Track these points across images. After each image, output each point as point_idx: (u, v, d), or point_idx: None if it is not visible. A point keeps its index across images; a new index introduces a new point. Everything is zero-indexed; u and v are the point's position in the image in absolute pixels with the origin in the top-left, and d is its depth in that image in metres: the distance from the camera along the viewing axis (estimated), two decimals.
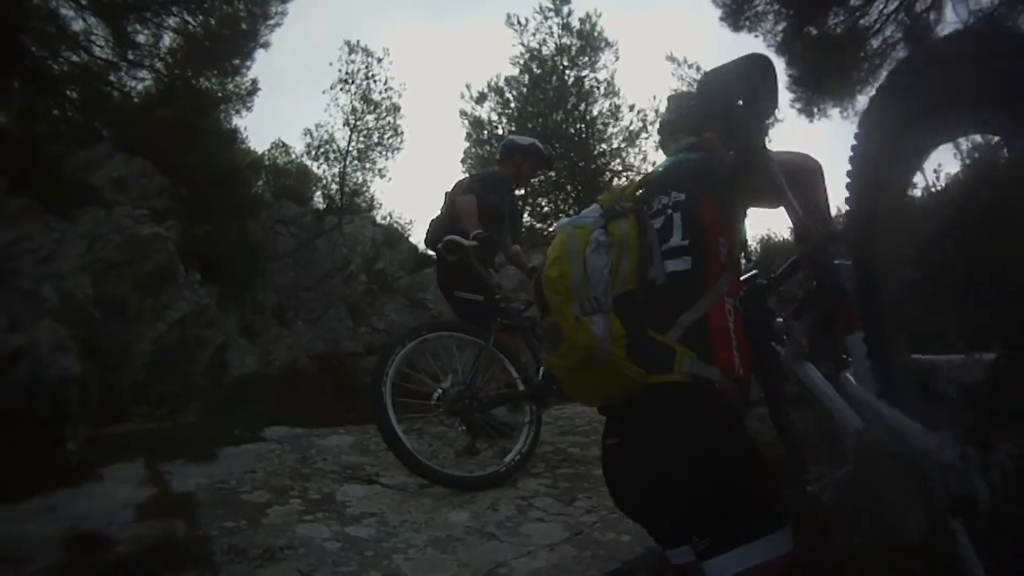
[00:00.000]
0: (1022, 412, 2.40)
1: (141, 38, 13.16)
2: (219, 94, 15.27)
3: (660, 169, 3.19)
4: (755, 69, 3.02)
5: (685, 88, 23.35)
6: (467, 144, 22.54)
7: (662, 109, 20.64)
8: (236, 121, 17.96)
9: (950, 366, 2.81)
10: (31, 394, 6.83)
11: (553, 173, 21.57)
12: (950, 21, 14.52)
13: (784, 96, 17.58)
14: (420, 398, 6.62)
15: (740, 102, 2.99)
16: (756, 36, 15.84)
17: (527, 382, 7.08)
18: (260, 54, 14.48)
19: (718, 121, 3.30)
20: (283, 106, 52.63)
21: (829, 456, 3.57)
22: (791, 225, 3.07)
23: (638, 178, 3.35)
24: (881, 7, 14.90)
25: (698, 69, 23.03)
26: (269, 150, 22.64)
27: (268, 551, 5.06)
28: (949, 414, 2.57)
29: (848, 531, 3.09)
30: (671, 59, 23.08)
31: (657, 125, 3.48)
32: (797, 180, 3.00)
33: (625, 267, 2.68)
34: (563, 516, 5.71)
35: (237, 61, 14.64)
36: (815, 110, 16.65)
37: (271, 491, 6.21)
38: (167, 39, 13.67)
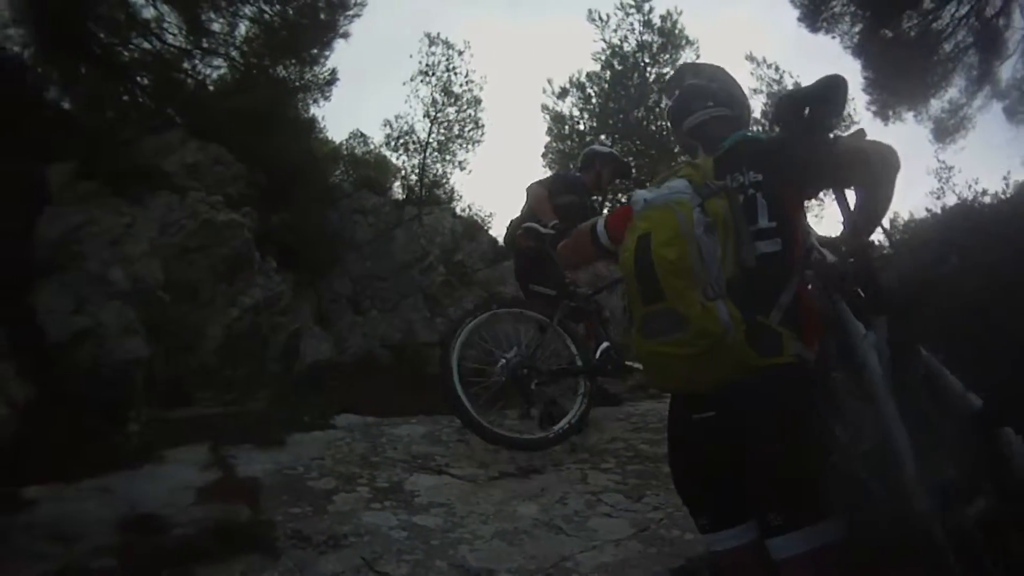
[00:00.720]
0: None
1: (216, 26, 13.31)
2: (297, 83, 15.33)
3: (726, 145, 3.07)
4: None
5: (764, 88, 23.17)
6: (548, 139, 22.45)
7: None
8: (314, 110, 18.00)
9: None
10: (94, 376, 6.84)
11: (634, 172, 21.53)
12: (1019, 27, 14.50)
13: (860, 98, 17.64)
14: (486, 365, 6.86)
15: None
16: (833, 37, 16.02)
17: (585, 360, 7.14)
18: (339, 44, 14.54)
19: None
20: (362, 97, 53.22)
21: None
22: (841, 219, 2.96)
23: (704, 156, 3.14)
24: (953, 11, 14.96)
25: (777, 69, 22.78)
26: (347, 140, 22.75)
27: (332, 538, 5.03)
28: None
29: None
30: (750, 58, 22.87)
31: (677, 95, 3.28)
32: (858, 171, 2.79)
33: (730, 249, 2.63)
34: (631, 512, 5.63)
35: (315, 51, 14.72)
36: (890, 113, 16.70)
37: (338, 478, 6.17)
38: (242, 28, 13.80)
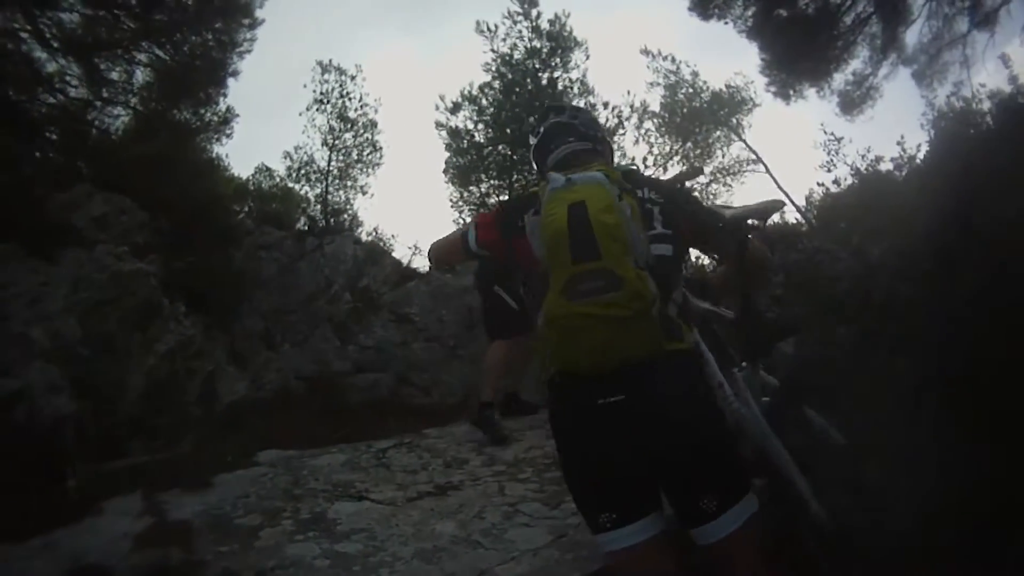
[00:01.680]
0: None
1: (114, 75, 13.30)
2: (196, 124, 15.40)
3: (618, 169, 3.18)
4: None
5: (662, 80, 23.60)
6: (448, 154, 22.55)
7: (637, 103, 20.43)
8: (217, 149, 18.12)
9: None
10: (29, 435, 6.99)
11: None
12: None
13: (759, 80, 18.33)
14: None
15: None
16: (726, 23, 16.04)
17: None
18: (240, 79, 14.57)
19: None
20: (266, 130, 52.63)
21: None
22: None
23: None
24: None
25: (673, 60, 23.25)
26: (253, 175, 22.69)
27: (259, 573, 5.22)
28: None
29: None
30: (645, 52, 23.35)
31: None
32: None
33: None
34: (549, 520, 5.83)
35: (210, 90, 14.75)
36: (791, 92, 16.85)
37: (263, 514, 6.36)
38: (139, 74, 13.82)
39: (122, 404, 9.19)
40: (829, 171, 21.40)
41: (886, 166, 18.03)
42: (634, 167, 3.41)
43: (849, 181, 19.27)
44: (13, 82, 11.84)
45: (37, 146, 13.06)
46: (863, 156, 20.41)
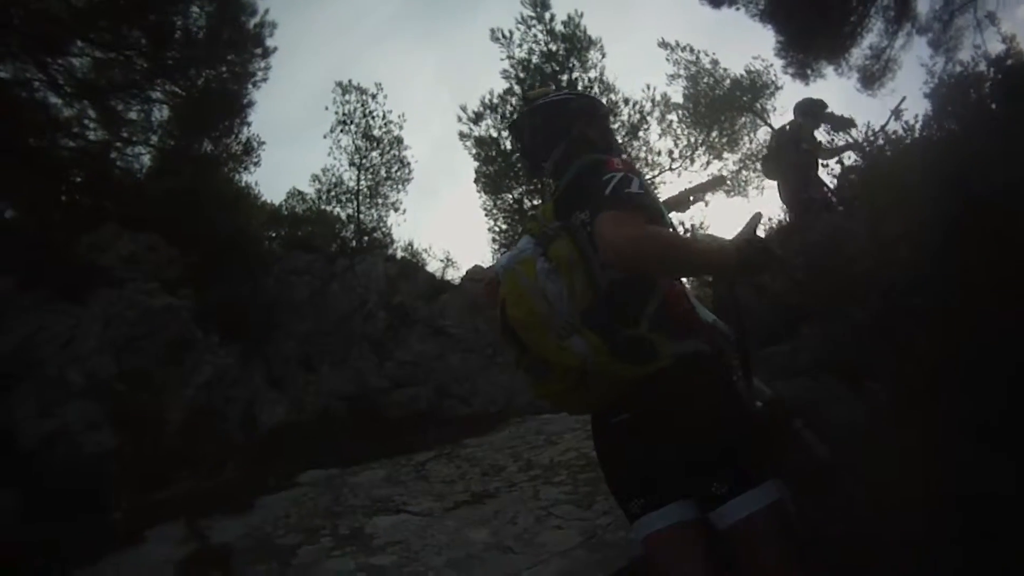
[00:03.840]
0: None
1: (132, 115, 13.39)
2: (219, 157, 15.55)
3: (562, 184, 3.12)
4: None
5: (683, 72, 23.44)
6: (476, 164, 22.46)
7: (656, 97, 20.12)
8: (245, 178, 18.40)
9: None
10: (71, 471, 7.12)
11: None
12: None
13: (777, 63, 17.63)
14: None
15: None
16: (738, 9, 15.72)
17: None
18: (266, 106, 14.73)
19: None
20: (296, 154, 53.03)
21: None
22: None
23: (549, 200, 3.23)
24: None
25: (692, 51, 23.08)
26: (286, 200, 22.67)
27: None
28: None
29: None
30: (663, 45, 23.09)
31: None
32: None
33: (579, 283, 2.75)
34: (580, 521, 5.88)
35: (229, 122, 14.88)
36: (809, 72, 16.46)
37: (303, 532, 6.50)
38: (157, 112, 13.86)
39: (163, 436, 9.32)
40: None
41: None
42: (583, 166, 3.12)
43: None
44: (31, 129, 12.00)
45: (61, 190, 13.30)
46: (869, 131, 20.01)
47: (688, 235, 3.20)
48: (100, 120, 13.10)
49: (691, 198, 3.38)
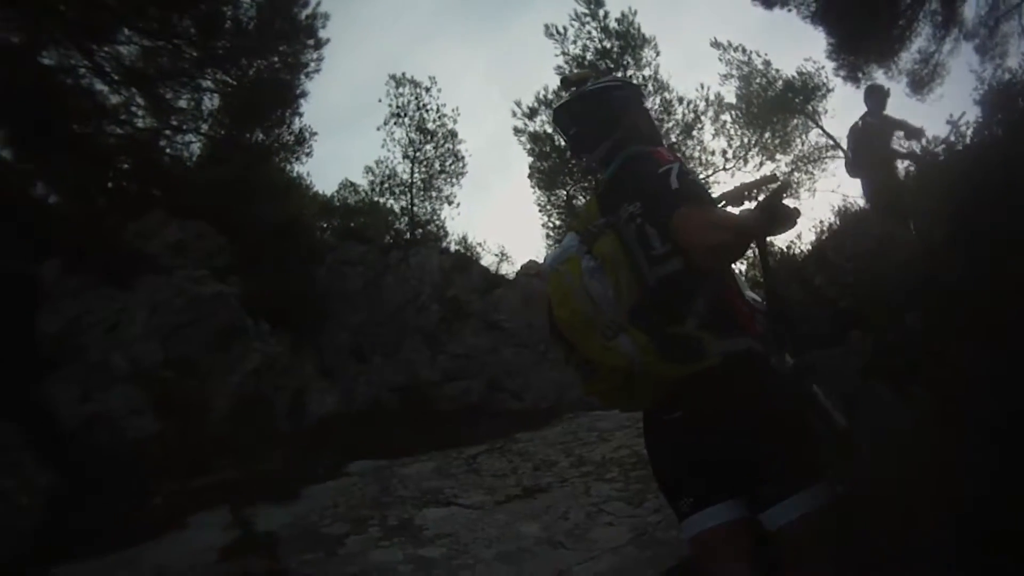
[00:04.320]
0: None
1: (182, 103, 13.50)
2: (270, 146, 15.57)
3: (607, 176, 3.07)
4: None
5: (735, 72, 23.22)
6: (531, 159, 22.40)
7: (710, 96, 20.18)
8: (297, 169, 18.54)
9: None
10: (111, 456, 7.05)
11: None
12: None
13: (828, 65, 17.62)
14: None
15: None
16: (790, 10, 15.46)
17: None
18: (321, 97, 14.79)
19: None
20: (349, 145, 53.38)
21: None
22: None
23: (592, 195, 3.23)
24: None
25: (744, 51, 22.85)
26: (338, 191, 22.84)
27: None
28: None
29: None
30: (716, 44, 22.91)
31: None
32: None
33: (625, 280, 2.70)
34: (631, 518, 5.81)
35: (279, 112, 14.90)
36: (859, 75, 16.07)
37: (350, 522, 6.41)
38: (207, 101, 13.98)
39: (208, 423, 9.25)
40: None
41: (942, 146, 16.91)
42: (628, 158, 2.98)
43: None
44: (76, 116, 12.01)
45: (107, 177, 13.34)
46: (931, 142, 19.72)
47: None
48: (148, 108, 13.17)
49: (745, 194, 3.19)
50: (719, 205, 3.06)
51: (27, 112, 10.88)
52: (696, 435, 2.67)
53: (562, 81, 3.40)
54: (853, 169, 10.59)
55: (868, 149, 9.90)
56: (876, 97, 10.19)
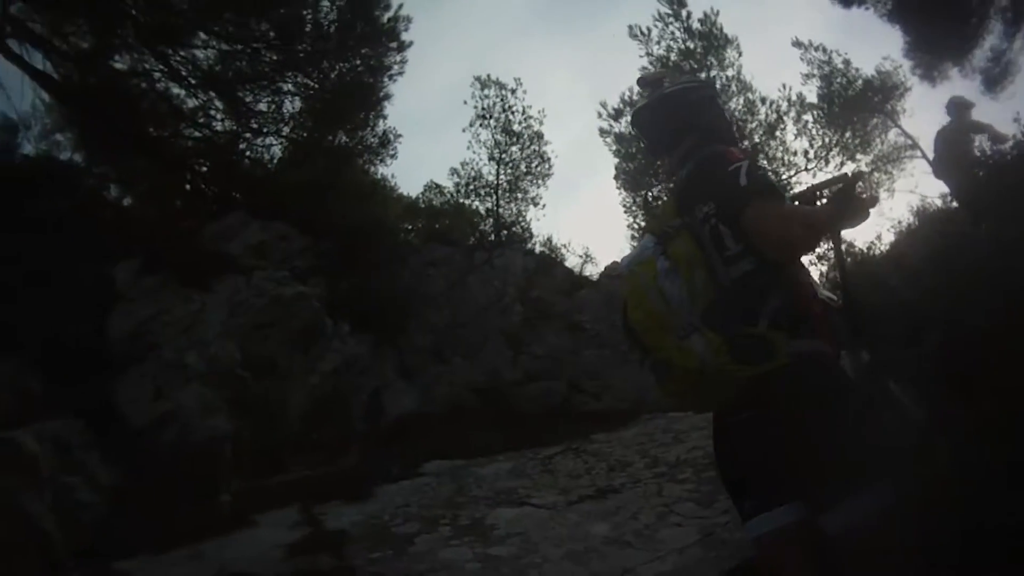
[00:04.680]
0: None
1: (262, 106, 13.68)
2: (354, 148, 15.71)
3: (683, 176, 3.06)
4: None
5: (816, 72, 22.89)
6: (616, 160, 22.27)
7: (792, 96, 19.90)
8: (381, 171, 18.57)
9: None
10: (181, 454, 7.13)
11: None
12: None
13: (905, 64, 17.27)
14: None
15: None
16: (867, 8, 15.06)
17: None
18: (404, 100, 15.05)
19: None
20: (435, 147, 53.84)
21: None
22: None
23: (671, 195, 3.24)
24: None
25: (824, 50, 22.47)
26: (423, 193, 22.67)
27: None
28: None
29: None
30: (797, 44, 22.52)
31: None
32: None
33: (699, 281, 2.70)
34: (700, 519, 5.75)
35: (362, 115, 15.04)
36: (935, 74, 15.78)
37: (422, 521, 6.40)
38: (288, 104, 14.17)
39: (283, 422, 9.36)
40: None
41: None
42: (704, 157, 2.96)
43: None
44: (151, 119, 12.21)
45: (185, 179, 13.56)
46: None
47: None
48: (227, 111, 13.38)
49: (817, 194, 3.11)
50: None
51: (98, 116, 11.09)
52: (761, 436, 2.63)
53: (639, 82, 3.38)
54: (939, 173, 10.76)
55: (951, 153, 10.01)
56: (956, 109, 10.26)
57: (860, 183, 2.69)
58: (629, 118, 4.10)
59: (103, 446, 6.53)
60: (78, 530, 5.77)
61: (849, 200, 2.64)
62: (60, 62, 11.47)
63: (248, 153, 14.33)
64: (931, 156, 11.41)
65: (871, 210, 2.68)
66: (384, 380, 11.87)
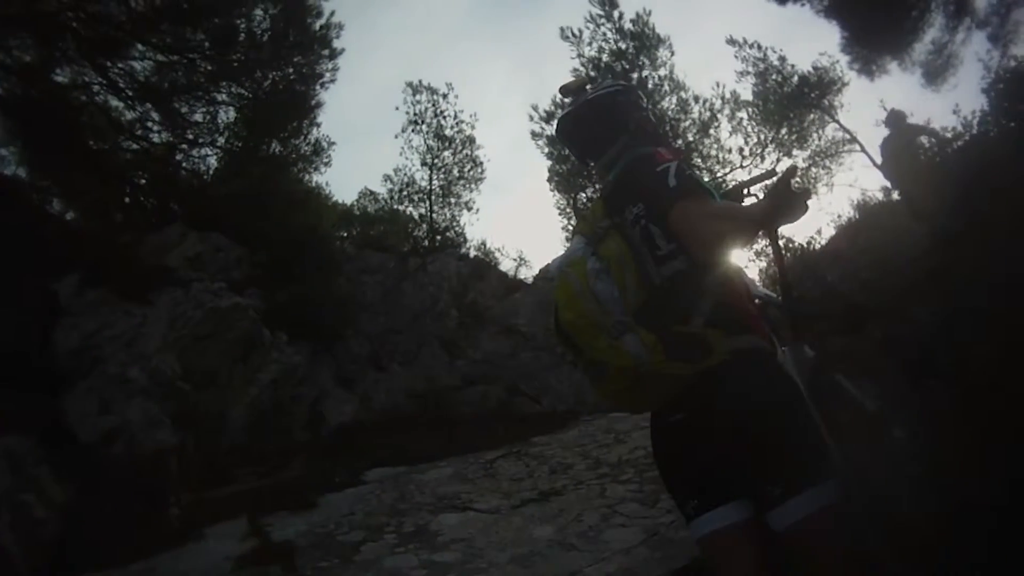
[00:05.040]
0: None
1: (197, 117, 13.68)
2: (288, 157, 15.81)
3: (611, 179, 3.09)
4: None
5: (751, 69, 23.14)
6: (550, 162, 22.41)
7: (726, 94, 20.14)
8: (316, 179, 18.59)
9: None
10: (129, 468, 7.13)
11: None
12: None
13: (842, 59, 17.55)
14: None
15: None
16: (802, 6, 15.25)
17: None
18: (340, 106, 14.89)
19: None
20: (369, 154, 53.53)
21: None
22: None
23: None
24: None
25: (759, 48, 22.75)
26: (358, 200, 23.02)
27: None
28: None
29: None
30: (731, 42, 22.77)
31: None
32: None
33: (631, 281, 2.75)
34: (644, 519, 5.84)
35: (295, 124, 15.05)
36: (873, 68, 16.17)
37: (367, 529, 6.49)
38: (223, 114, 14.17)
39: (226, 434, 9.39)
40: None
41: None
42: (629, 160, 3.01)
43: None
44: (91, 132, 12.14)
45: (124, 192, 13.50)
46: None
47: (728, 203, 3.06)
48: (164, 122, 13.35)
49: (744, 191, 3.26)
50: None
51: (42, 129, 11.03)
52: (701, 436, 2.68)
53: (561, 91, 3.39)
54: (888, 178, 11.85)
55: (898, 160, 10.69)
56: (895, 120, 11.16)
57: (794, 178, 2.78)
58: (556, 126, 4.12)
59: (54, 462, 6.53)
60: (37, 548, 5.79)
61: (785, 195, 2.66)
62: (3, 76, 11.37)
63: (184, 164, 14.34)
64: (870, 151, 11.89)
65: (807, 203, 2.70)
66: (323, 389, 11.88)
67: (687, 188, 2.70)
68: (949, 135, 9.71)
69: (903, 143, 10.62)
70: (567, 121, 3.35)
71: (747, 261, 18.42)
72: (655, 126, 3.40)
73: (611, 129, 3.16)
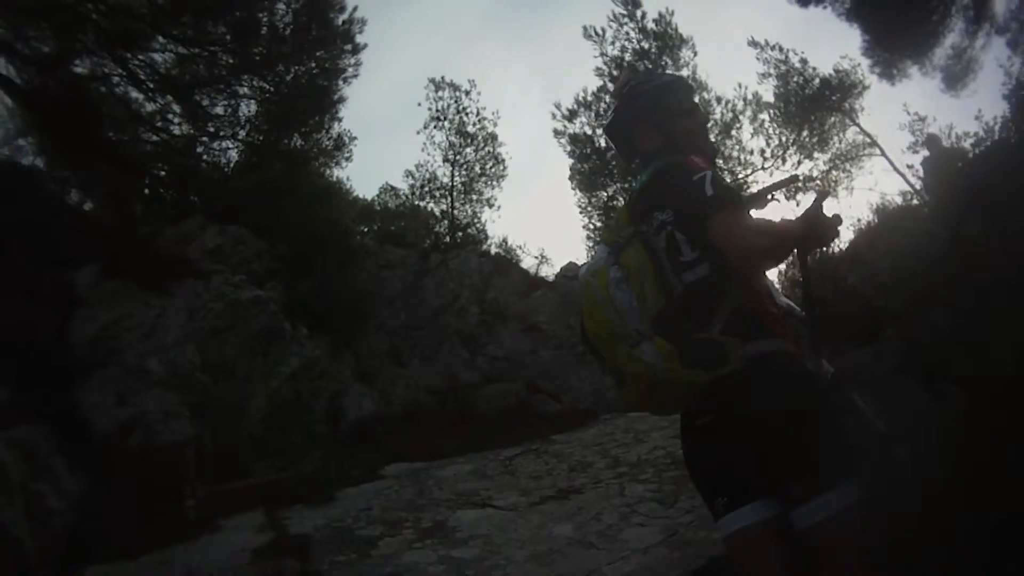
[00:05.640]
0: None
1: (219, 110, 13.65)
2: (309, 151, 15.77)
3: (641, 182, 3.03)
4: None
5: (773, 71, 23.02)
6: (571, 160, 22.31)
7: (748, 96, 20.08)
8: (337, 173, 18.60)
9: None
10: (146, 460, 7.10)
11: None
12: None
13: (864, 63, 17.75)
14: None
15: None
16: (824, 8, 15.38)
17: None
18: (359, 103, 14.98)
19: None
20: (391, 149, 53.59)
21: None
22: None
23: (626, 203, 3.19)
24: None
25: (781, 49, 22.65)
26: (378, 195, 22.87)
27: None
28: None
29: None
30: (753, 44, 22.71)
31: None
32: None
33: (650, 290, 2.75)
34: (663, 519, 5.81)
35: (317, 118, 15.04)
36: (894, 72, 16.22)
37: (385, 524, 6.46)
38: (244, 108, 14.11)
39: (244, 426, 9.35)
40: (916, 152, 20.39)
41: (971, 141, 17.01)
42: (662, 166, 2.92)
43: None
44: (110, 123, 12.14)
45: (144, 183, 13.55)
46: (948, 133, 19.59)
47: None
48: (184, 115, 13.35)
49: (768, 196, 3.19)
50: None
51: (60, 120, 11.02)
52: (727, 436, 2.67)
53: (612, 95, 3.44)
54: (930, 193, 12.03)
55: (939, 176, 11.03)
56: (932, 144, 12.03)
57: (825, 200, 2.72)
58: (604, 129, 3.96)
59: (69, 453, 6.49)
60: (50, 537, 5.75)
61: (818, 222, 2.65)
62: (23, 67, 11.38)
63: (205, 157, 14.35)
64: (890, 155, 12.16)
65: (839, 228, 2.68)
66: (342, 383, 11.85)
67: (726, 198, 2.67)
68: (971, 142, 9.99)
69: (944, 165, 10.88)
70: (608, 119, 3.32)
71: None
72: (703, 135, 3.24)
73: (653, 125, 3.09)
